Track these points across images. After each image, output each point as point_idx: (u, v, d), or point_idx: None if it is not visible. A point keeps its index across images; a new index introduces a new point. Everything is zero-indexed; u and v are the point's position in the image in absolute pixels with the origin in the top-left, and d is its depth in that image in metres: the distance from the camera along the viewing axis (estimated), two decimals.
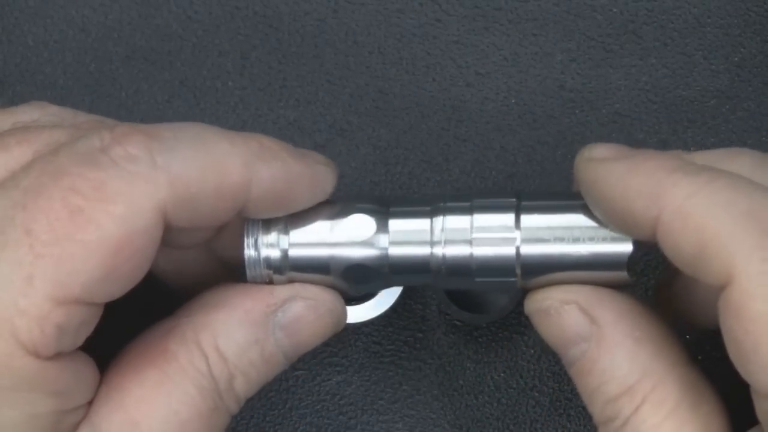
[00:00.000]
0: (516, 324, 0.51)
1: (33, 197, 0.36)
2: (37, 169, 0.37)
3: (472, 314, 0.49)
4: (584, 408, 0.50)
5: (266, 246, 0.40)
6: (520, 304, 0.50)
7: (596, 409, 0.40)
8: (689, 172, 0.37)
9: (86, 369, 0.38)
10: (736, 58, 0.52)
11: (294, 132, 0.52)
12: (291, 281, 0.41)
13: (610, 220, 0.39)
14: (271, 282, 0.41)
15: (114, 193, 0.36)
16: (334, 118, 0.52)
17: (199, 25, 0.53)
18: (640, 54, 0.52)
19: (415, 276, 0.41)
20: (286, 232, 0.40)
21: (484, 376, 0.51)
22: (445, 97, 0.52)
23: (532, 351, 0.51)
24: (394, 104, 0.52)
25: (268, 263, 0.40)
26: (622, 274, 0.39)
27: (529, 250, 0.39)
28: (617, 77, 0.52)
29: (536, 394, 0.51)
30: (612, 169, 0.38)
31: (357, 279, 0.41)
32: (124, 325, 0.40)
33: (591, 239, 0.39)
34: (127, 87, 0.53)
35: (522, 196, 0.40)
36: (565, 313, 0.40)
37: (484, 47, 0.53)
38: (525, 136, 0.52)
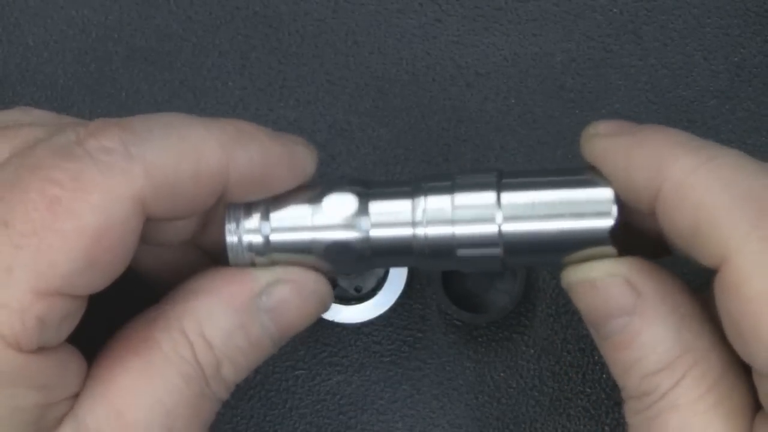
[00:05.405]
0: (516, 324, 0.51)
1: (9, 189, 0.36)
2: (14, 163, 0.37)
3: (472, 314, 0.49)
4: (584, 408, 0.51)
5: (247, 231, 0.40)
6: (520, 304, 0.50)
7: (631, 383, 0.39)
8: (692, 147, 0.37)
9: (73, 362, 0.38)
10: (736, 58, 0.52)
11: (294, 132, 0.52)
12: (273, 263, 0.40)
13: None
14: (253, 264, 0.40)
15: (91, 183, 0.36)
16: (334, 118, 0.52)
17: (199, 25, 0.53)
18: (640, 54, 0.52)
19: (397, 258, 0.41)
20: (267, 216, 0.40)
21: (484, 376, 0.51)
22: (445, 97, 0.52)
23: (532, 351, 0.51)
24: (394, 104, 0.52)
25: (251, 247, 0.40)
26: (607, 248, 0.39)
27: (511, 227, 0.39)
28: (617, 77, 0.52)
29: (536, 394, 0.51)
30: (616, 143, 0.38)
31: (339, 258, 0.40)
32: (117, 320, 0.40)
33: (573, 215, 0.39)
34: (127, 87, 0.53)
35: (503, 173, 0.40)
36: (610, 286, 0.39)
37: (484, 47, 0.53)
38: (525, 136, 0.52)
